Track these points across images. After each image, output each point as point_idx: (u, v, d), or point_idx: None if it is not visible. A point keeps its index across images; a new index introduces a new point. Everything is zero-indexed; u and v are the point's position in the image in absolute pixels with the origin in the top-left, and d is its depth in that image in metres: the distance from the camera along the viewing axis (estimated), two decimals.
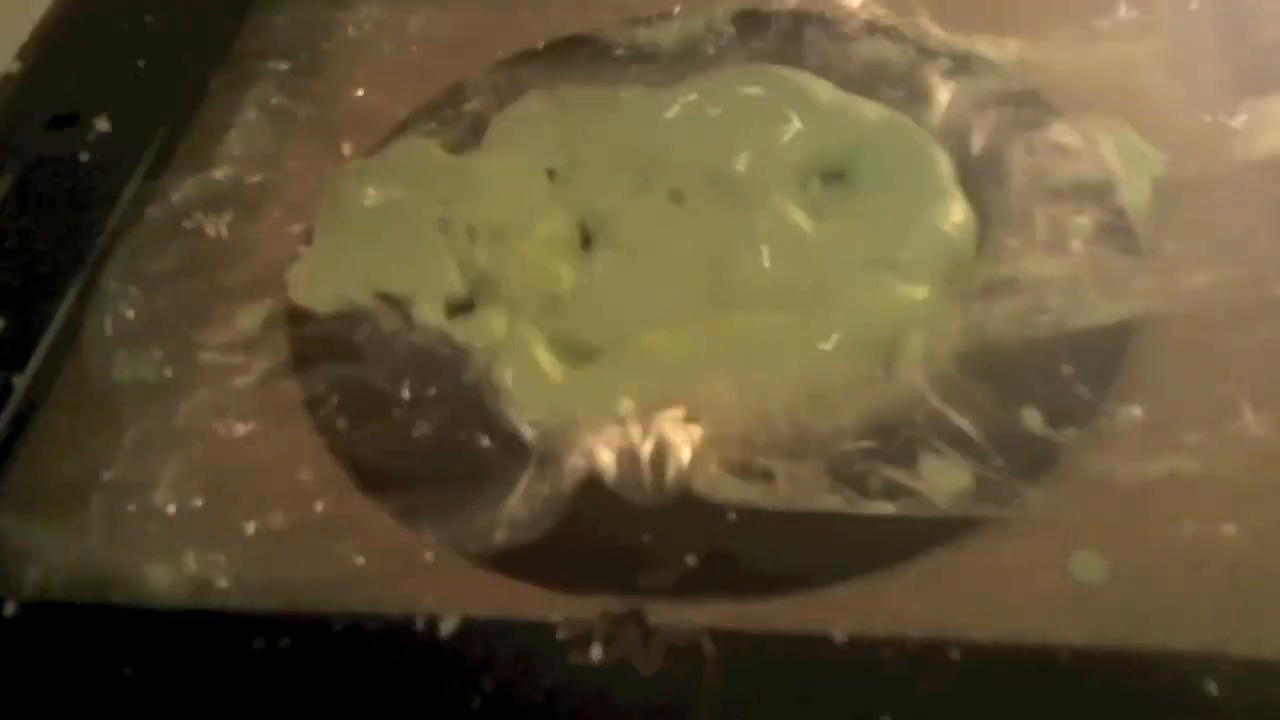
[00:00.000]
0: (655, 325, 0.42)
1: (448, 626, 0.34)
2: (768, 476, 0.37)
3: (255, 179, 0.49)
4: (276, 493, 0.39)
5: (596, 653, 0.33)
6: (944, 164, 0.45)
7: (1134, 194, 0.44)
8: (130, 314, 0.44)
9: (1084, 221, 0.43)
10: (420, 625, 0.34)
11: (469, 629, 0.34)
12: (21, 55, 0.55)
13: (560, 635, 0.33)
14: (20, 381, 0.42)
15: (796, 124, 0.47)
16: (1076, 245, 0.42)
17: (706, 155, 0.47)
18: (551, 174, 0.48)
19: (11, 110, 0.52)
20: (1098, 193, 0.44)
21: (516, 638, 0.34)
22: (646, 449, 0.38)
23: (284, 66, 0.54)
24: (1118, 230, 0.43)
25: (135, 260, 0.45)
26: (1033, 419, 0.38)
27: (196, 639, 0.35)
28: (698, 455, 0.38)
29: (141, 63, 0.54)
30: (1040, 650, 0.32)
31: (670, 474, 0.37)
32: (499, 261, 0.45)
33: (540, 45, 0.54)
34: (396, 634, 0.34)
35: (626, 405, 0.39)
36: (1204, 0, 0.52)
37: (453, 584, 0.36)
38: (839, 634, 0.33)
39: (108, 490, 0.40)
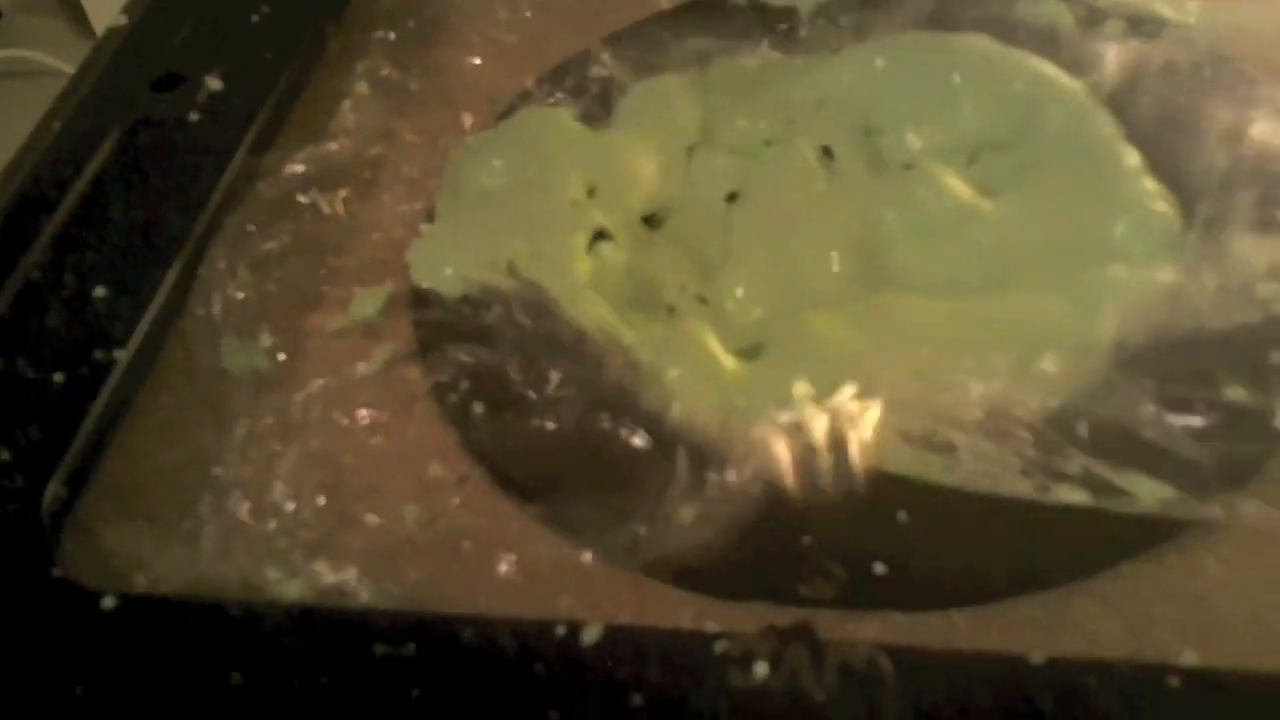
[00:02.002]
0: (817, 307, 0.38)
1: (590, 635, 0.30)
2: (950, 450, 0.33)
3: (372, 152, 0.46)
4: (405, 489, 0.36)
5: (761, 670, 0.29)
6: (1123, 138, 0.41)
7: None
8: (240, 295, 0.41)
9: None
10: (561, 632, 0.30)
11: (614, 638, 0.30)
12: (129, 8, 0.52)
13: (719, 649, 0.30)
14: (121, 357, 0.39)
15: (962, 87, 0.44)
16: None
17: (861, 120, 0.44)
18: (691, 150, 0.45)
19: (118, 66, 0.50)
20: None
21: (668, 650, 0.30)
22: (823, 429, 0.35)
23: (392, 36, 0.51)
24: None
25: (245, 238, 0.42)
26: (1240, 414, 0.34)
27: (313, 644, 0.32)
28: (878, 430, 0.34)
29: (256, 18, 0.51)
30: (1268, 678, 0.28)
31: (852, 451, 0.34)
32: (637, 240, 0.41)
33: (666, 5, 0.50)
34: (533, 642, 0.30)
35: (801, 391, 0.35)
36: None
37: (601, 590, 0.33)
38: (1036, 655, 0.29)
39: (219, 488, 0.37)
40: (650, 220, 0.43)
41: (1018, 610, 0.31)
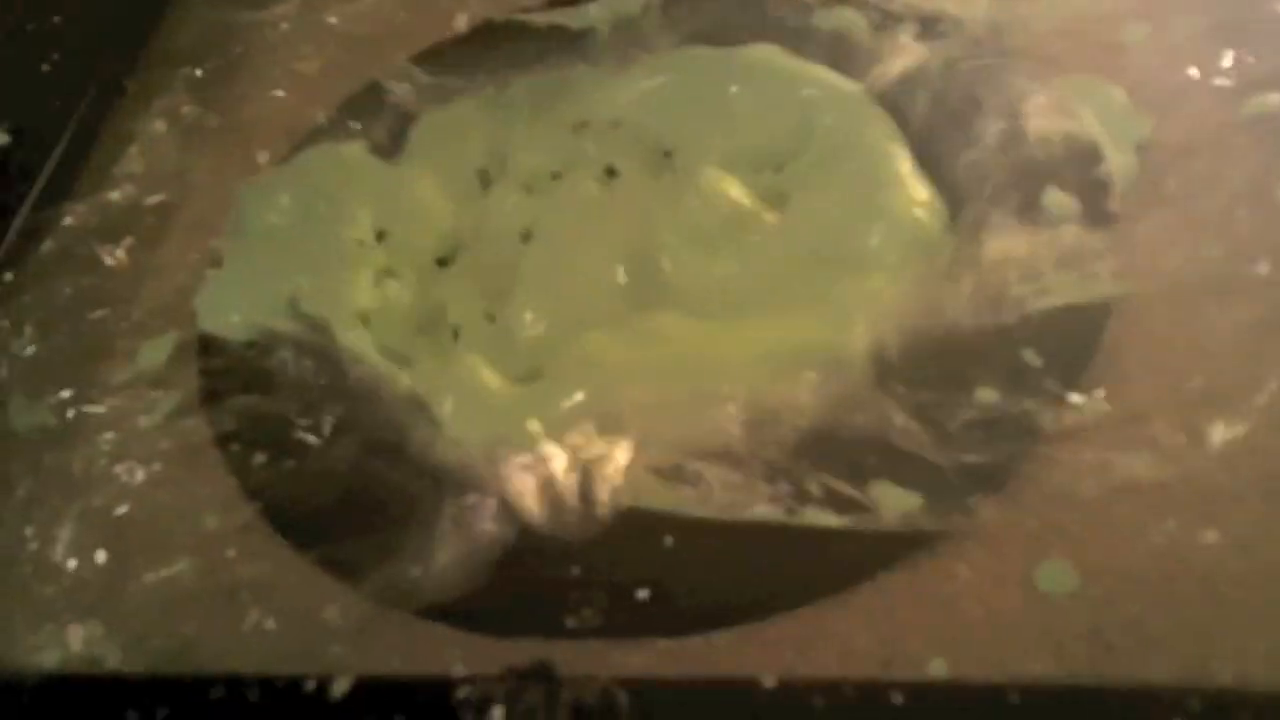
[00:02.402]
0: (595, 327, 0.39)
1: (340, 687, 0.30)
2: (699, 482, 0.34)
3: (157, 198, 0.46)
4: (183, 542, 0.36)
5: (498, 715, 0.29)
6: (896, 139, 0.41)
7: (1119, 162, 0.39)
8: (27, 352, 0.41)
9: (1059, 194, 0.39)
10: (310, 687, 0.31)
11: (362, 690, 0.30)
12: None
13: (460, 694, 0.30)
14: None
15: (743, 100, 0.44)
16: (1050, 220, 0.38)
17: (647, 136, 0.44)
18: (483, 174, 0.45)
19: None
20: (1077, 162, 0.39)
21: (414, 699, 0.30)
22: (580, 463, 0.35)
23: (197, 72, 0.51)
24: (1094, 202, 0.38)
25: (30, 294, 0.42)
26: (991, 416, 0.34)
27: (67, 713, 0.32)
28: (630, 465, 0.34)
29: (46, 66, 0.51)
30: (988, 689, 0.29)
31: (600, 484, 0.34)
32: (425, 277, 0.42)
33: (462, 31, 0.50)
34: (281, 699, 0.30)
35: (558, 420, 0.36)
36: None
37: (368, 637, 0.33)
38: (769, 678, 0.29)
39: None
40: (443, 261, 0.43)
41: (777, 628, 0.32)
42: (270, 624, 0.34)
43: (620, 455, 0.34)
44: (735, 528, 0.33)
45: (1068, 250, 0.37)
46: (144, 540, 0.36)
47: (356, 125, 0.47)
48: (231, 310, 0.41)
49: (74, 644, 0.34)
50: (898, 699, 0.29)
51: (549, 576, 0.33)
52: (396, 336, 0.40)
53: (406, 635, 0.33)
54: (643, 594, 0.32)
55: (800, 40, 0.46)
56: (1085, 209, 0.38)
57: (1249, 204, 0.37)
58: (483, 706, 0.29)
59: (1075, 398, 0.34)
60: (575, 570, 0.33)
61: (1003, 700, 0.29)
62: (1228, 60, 0.41)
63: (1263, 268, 0.35)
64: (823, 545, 0.32)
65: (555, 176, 0.43)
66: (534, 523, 0.34)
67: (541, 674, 0.30)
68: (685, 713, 0.29)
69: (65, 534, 0.37)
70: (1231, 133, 0.39)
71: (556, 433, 0.35)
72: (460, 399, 0.37)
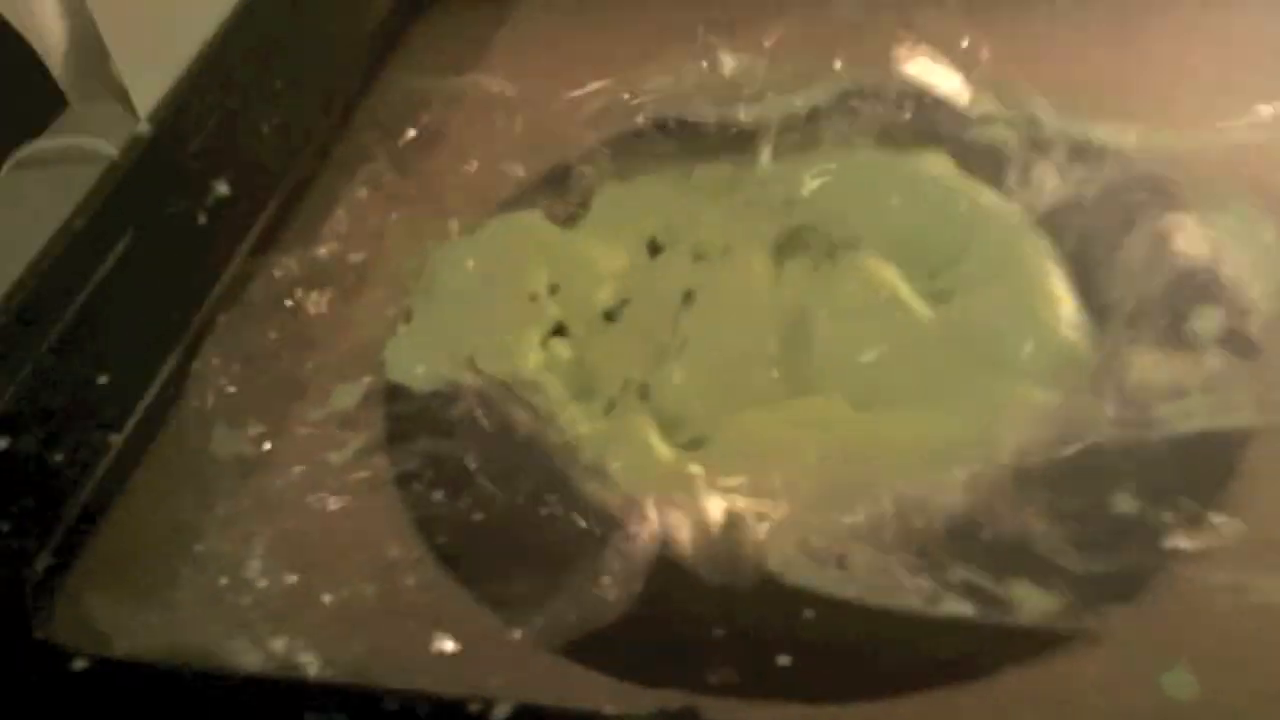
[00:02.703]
0: (749, 405, 0.41)
1: (501, 711, 0.33)
2: (845, 564, 0.36)
3: (359, 257, 0.50)
4: (364, 569, 0.39)
5: None
6: (1051, 258, 0.43)
7: (1261, 295, 0.41)
8: (231, 389, 0.45)
9: (1203, 323, 0.41)
10: (474, 709, 0.33)
11: (522, 715, 0.33)
12: (154, 115, 0.57)
13: None
14: (115, 441, 0.43)
15: (908, 205, 0.47)
16: (1192, 347, 0.40)
17: (818, 226, 0.47)
18: (654, 244, 0.48)
19: (139, 170, 0.54)
20: (1221, 292, 0.41)
21: None
22: (729, 521, 0.37)
23: (396, 142, 0.55)
24: (1237, 333, 0.40)
25: (238, 334, 0.46)
26: (1130, 531, 0.36)
27: (254, 711, 0.35)
28: (776, 534, 0.37)
29: (266, 128, 0.56)
30: None
31: (745, 549, 0.37)
32: (593, 340, 0.45)
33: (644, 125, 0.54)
34: (448, 715, 0.33)
35: (723, 484, 0.38)
36: None
37: (523, 669, 0.36)
38: None
39: (199, 562, 0.40)
40: (610, 315, 0.46)
41: (904, 708, 0.34)
42: (439, 648, 0.37)
43: (773, 526, 0.37)
44: (874, 610, 0.35)
45: (1210, 376, 0.39)
46: (329, 564, 0.40)
47: (544, 199, 0.51)
48: (417, 362, 0.45)
49: (262, 651, 0.37)
50: None
51: (694, 633, 0.36)
52: (563, 391, 0.43)
53: (558, 673, 0.35)
54: (783, 660, 0.35)
55: (959, 152, 0.48)
56: (1228, 337, 0.40)
57: None
58: None
59: (1213, 518, 0.35)
60: (718, 630, 0.36)
61: None
62: None
63: None
64: (958, 636, 0.34)
65: (726, 251, 0.46)
66: (688, 564, 0.36)
67: (689, 716, 0.32)
68: None
69: (258, 551, 0.40)
70: None
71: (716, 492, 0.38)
72: (628, 457, 0.40)
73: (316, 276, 0.49)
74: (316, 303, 0.48)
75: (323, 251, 0.49)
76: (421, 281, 0.48)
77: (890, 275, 0.44)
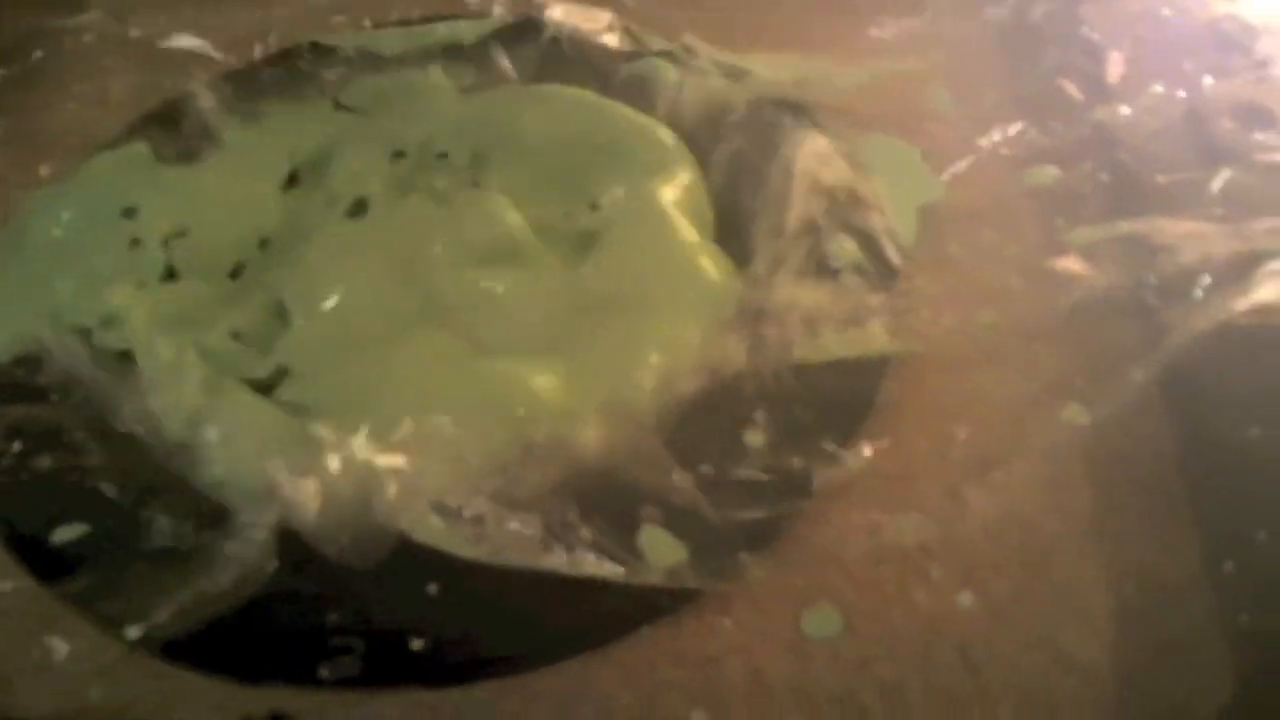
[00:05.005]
0: (367, 343, 0.38)
1: None
2: (479, 524, 0.33)
3: None
4: None
5: None
6: (696, 189, 0.41)
7: (902, 221, 0.41)
8: None
9: (843, 248, 0.39)
10: None
11: None
12: None
13: None
14: None
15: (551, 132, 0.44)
16: (831, 275, 0.39)
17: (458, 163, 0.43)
18: (293, 176, 0.44)
19: None
20: (864, 216, 0.40)
21: None
22: (350, 485, 0.34)
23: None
24: (877, 260, 0.39)
25: None
26: (760, 473, 0.34)
27: None
28: (405, 494, 0.33)
29: None
30: None
31: (377, 513, 0.33)
32: (203, 287, 0.40)
33: (271, 51, 0.50)
34: None
35: (339, 441, 0.34)
36: (990, 18, 0.49)
37: (126, 677, 0.32)
38: None
39: None
40: (223, 260, 0.42)
41: (541, 681, 0.31)
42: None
43: (402, 483, 0.33)
44: (505, 576, 0.32)
45: (848, 305, 0.38)
46: None
47: (150, 139, 0.45)
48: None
49: None
50: None
51: (310, 622, 0.32)
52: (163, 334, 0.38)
53: (157, 681, 0.31)
54: (413, 643, 0.31)
55: (601, 86, 0.46)
56: (867, 265, 0.39)
57: (1023, 274, 0.38)
58: None
59: (848, 457, 0.34)
60: (335, 616, 0.32)
61: None
62: (1015, 130, 0.43)
63: (1033, 339, 0.37)
64: (588, 597, 0.32)
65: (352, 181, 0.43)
66: (312, 538, 0.33)
67: None
68: None
69: None
70: (1013, 201, 0.41)
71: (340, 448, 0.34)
72: (224, 426, 0.36)
73: None
74: None
75: None
76: (5, 235, 0.42)
77: (513, 216, 0.41)
